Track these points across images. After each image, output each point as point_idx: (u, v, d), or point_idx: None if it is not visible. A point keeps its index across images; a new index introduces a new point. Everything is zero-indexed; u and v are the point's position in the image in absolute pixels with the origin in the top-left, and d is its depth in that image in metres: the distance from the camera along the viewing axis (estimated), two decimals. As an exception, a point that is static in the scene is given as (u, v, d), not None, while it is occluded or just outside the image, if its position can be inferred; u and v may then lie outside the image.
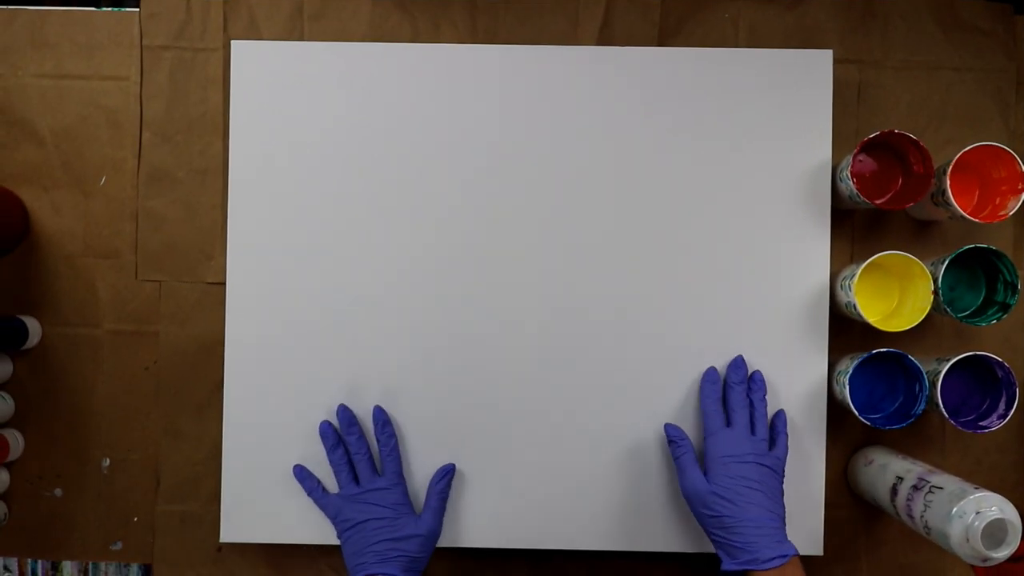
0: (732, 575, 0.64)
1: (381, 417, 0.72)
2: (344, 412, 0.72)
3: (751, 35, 0.76)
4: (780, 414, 0.71)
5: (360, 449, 0.71)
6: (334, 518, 0.70)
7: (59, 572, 0.78)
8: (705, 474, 0.67)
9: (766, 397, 0.71)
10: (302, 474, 0.72)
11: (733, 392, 0.70)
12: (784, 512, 0.66)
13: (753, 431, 0.69)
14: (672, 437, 0.70)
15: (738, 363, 0.71)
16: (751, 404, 0.70)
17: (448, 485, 0.72)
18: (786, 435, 0.70)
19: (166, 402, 0.76)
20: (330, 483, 0.72)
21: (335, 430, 0.72)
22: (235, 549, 0.76)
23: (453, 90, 0.74)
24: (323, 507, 0.71)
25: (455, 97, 0.74)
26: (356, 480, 0.71)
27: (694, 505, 0.67)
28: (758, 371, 0.72)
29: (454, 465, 0.72)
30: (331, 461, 0.71)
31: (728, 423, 0.69)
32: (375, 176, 0.74)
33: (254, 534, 0.74)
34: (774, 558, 0.62)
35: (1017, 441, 0.76)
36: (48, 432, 0.77)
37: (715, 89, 0.73)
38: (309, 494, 0.72)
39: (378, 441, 0.72)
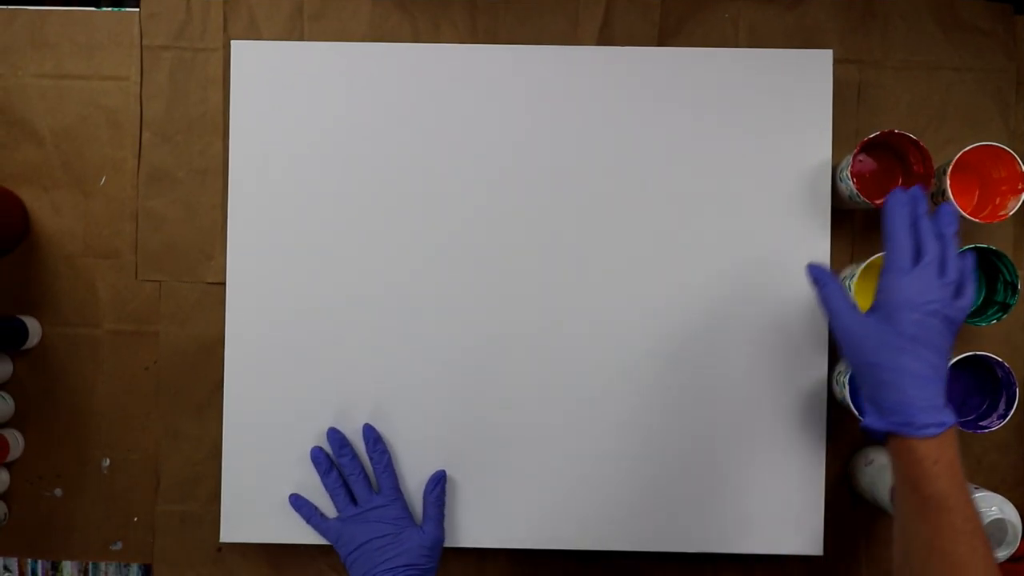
0: (873, 433, 0.55)
1: (371, 435, 0.72)
2: (334, 434, 0.72)
3: (751, 35, 0.76)
4: (968, 256, 0.57)
5: (354, 470, 0.71)
6: (336, 542, 0.70)
7: (59, 572, 0.78)
8: (870, 313, 0.56)
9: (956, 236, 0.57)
10: (298, 503, 0.72)
11: (922, 221, 0.56)
12: (947, 376, 0.55)
13: (943, 272, 0.55)
14: (817, 277, 0.59)
15: (917, 192, 0.58)
16: (943, 239, 0.56)
17: (443, 492, 0.72)
18: (973, 283, 0.56)
19: (166, 402, 0.76)
20: (328, 507, 0.72)
21: (327, 455, 0.72)
22: (235, 549, 0.76)
23: (453, 90, 0.74)
24: (323, 532, 0.71)
25: (455, 97, 0.74)
26: (354, 501, 0.71)
27: (848, 347, 0.56)
28: (946, 203, 0.60)
29: (444, 471, 0.72)
30: (326, 486, 0.71)
31: (916, 260, 0.55)
32: (375, 176, 0.74)
33: (254, 534, 0.74)
34: (930, 425, 0.52)
35: (1017, 441, 0.76)
36: (48, 432, 0.77)
37: (715, 89, 0.73)
38: (308, 522, 0.71)
39: (371, 459, 0.72)
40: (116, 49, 0.77)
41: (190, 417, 0.76)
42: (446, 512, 0.72)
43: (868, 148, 0.69)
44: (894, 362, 0.53)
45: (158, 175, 0.77)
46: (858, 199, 0.68)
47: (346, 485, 0.71)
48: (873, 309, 0.56)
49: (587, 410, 0.73)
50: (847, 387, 0.68)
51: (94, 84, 0.77)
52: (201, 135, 0.76)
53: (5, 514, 0.76)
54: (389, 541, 0.68)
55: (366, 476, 0.71)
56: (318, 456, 0.72)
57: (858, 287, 0.68)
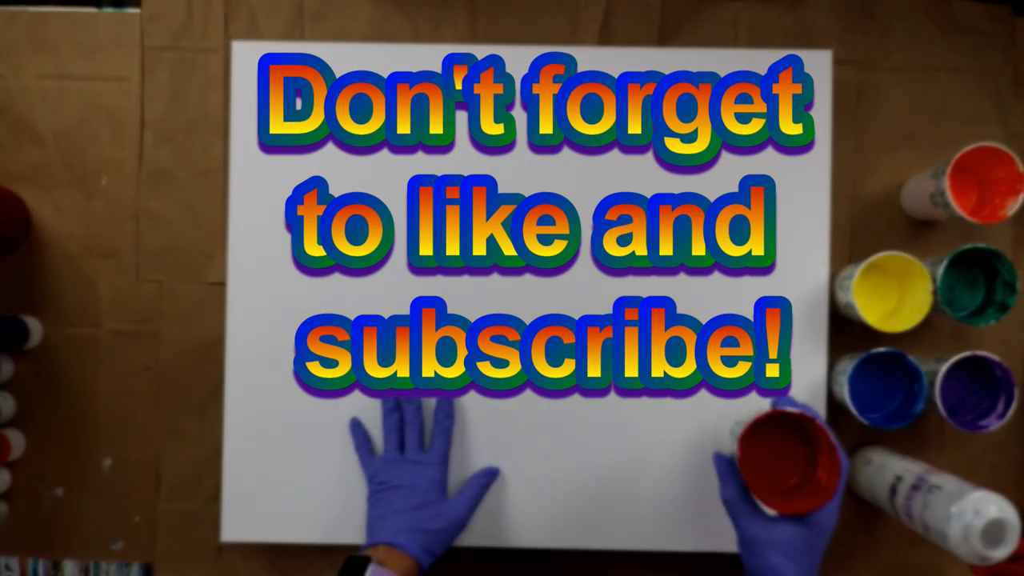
0: None
1: (446, 399, 0.72)
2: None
3: (751, 35, 0.76)
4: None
5: (414, 419, 0.71)
6: (371, 478, 0.71)
7: (60, 571, 0.78)
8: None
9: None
10: (355, 429, 0.73)
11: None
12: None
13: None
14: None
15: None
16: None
17: (489, 484, 0.72)
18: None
19: (167, 402, 0.77)
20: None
21: (396, 399, 0.73)
22: (236, 549, 0.77)
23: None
24: (364, 464, 0.72)
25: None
26: (401, 450, 0.71)
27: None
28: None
29: (498, 470, 0.73)
30: (384, 425, 0.72)
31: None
32: (374, 176, 0.74)
33: (255, 534, 0.74)
34: None
35: (1016, 441, 0.76)
36: (49, 432, 0.77)
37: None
38: (356, 449, 0.72)
39: (435, 418, 0.72)
40: (117, 50, 0.77)
41: (191, 417, 0.76)
42: None
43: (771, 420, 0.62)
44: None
45: (159, 175, 0.77)
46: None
47: (401, 432, 0.72)
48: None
49: (588, 410, 0.73)
50: (846, 387, 0.69)
51: (95, 85, 0.77)
52: (202, 135, 0.76)
53: (6, 514, 0.76)
54: (416, 495, 0.68)
55: (422, 431, 0.72)
56: (387, 394, 0.72)
57: (857, 288, 0.68)
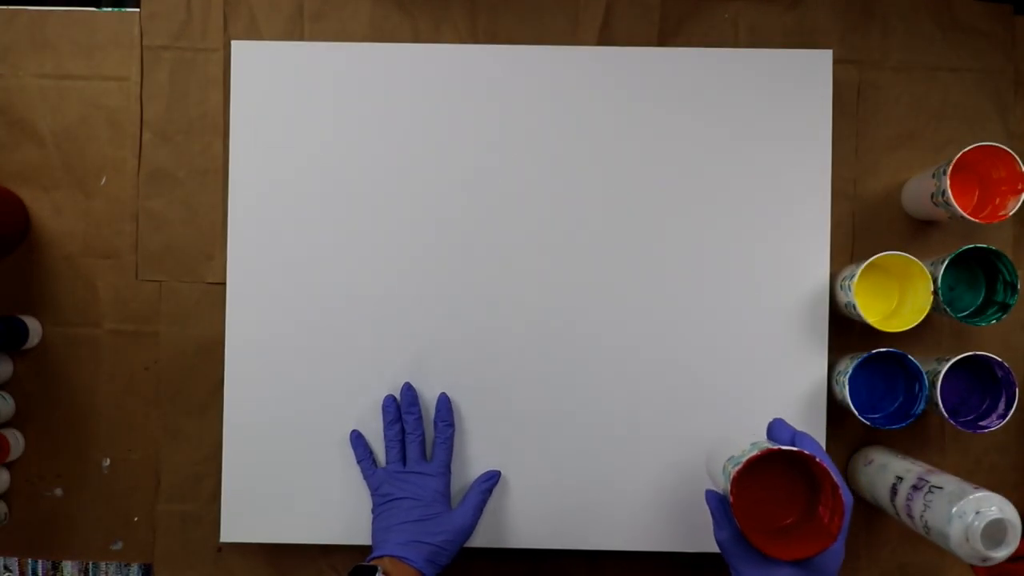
0: None
1: (445, 405, 0.72)
2: (408, 391, 0.73)
3: (751, 35, 0.76)
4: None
5: (415, 430, 0.71)
6: (375, 490, 0.71)
7: (59, 572, 0.78)
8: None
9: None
10: (356, 441, 0.73)
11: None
12: None
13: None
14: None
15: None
16: None
17: (491, 488, 0.72)
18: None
19: (166, 402, 0.77)
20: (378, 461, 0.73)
21: (397, 406, 0.72)
22: (235, 549, 0.77)
23: (453, 91, 0.74)
24: (367, 478, 0.72)
25: (455, 98, 0.74)
26: (403, 460, 0.71)
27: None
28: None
29: (500, 472, 0.73)
30: (385, 436, 0.72)
31: None
32: (375, 176, 0.74)
33: (254, 534, 0.74)
34: None
35: (1016, 441, 0.76)
36: (48, 432, 0.77)
37: (715, 89, 0.73)
38: (358, 462, 0.72)
39: (436, 427, 0.72)
40: (116, 49, 0.77)
41: (190, 417, 0.76)
42: None
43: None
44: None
45: (158, 175, 0.77)
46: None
47: (403, 442, 0.72)
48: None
49: (591, 410, 0.73)
50: (847, 387, 0.68)
51: (95, 84, 0.77)
52: (201, 135, 0.76)
53: (5, 514, 0.76)
54: (420, 507, 0.68)
55: (423, 441, 0.72)
56: (389, 405, 0.72)
57: (858, 287, 0.68)
